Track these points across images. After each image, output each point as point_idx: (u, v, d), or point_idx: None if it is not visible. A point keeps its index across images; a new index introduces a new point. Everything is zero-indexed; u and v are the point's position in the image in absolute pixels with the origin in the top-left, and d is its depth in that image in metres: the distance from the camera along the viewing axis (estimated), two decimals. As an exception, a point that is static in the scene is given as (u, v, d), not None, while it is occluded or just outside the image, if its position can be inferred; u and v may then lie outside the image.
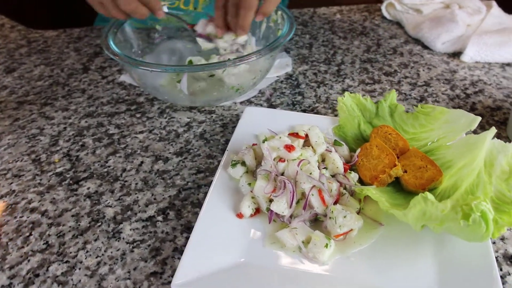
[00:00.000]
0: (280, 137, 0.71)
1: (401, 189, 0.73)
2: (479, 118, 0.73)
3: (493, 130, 0.68)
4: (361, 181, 0.73)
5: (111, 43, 0.90)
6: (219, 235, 0.65)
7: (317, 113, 0.94)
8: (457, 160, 0.72)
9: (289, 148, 0.69)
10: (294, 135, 0.74)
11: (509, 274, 0.62)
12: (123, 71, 1.12)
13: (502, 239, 0.67)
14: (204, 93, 0.92)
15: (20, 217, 0.74)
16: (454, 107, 0.94)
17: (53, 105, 1.01)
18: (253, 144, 0.78)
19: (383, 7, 1.32)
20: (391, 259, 0.62)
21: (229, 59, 0.85)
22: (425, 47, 1.17)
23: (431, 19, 1.20)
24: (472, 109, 0.94)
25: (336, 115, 0.93)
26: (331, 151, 0.70)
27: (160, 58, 1.05)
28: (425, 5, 1.27)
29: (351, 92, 1.00)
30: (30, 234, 0.70)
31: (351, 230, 0.64)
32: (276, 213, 0.66)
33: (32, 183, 0.80)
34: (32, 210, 0.75)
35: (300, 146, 0.74)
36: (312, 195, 0.65)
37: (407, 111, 0.84)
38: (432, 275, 0.59)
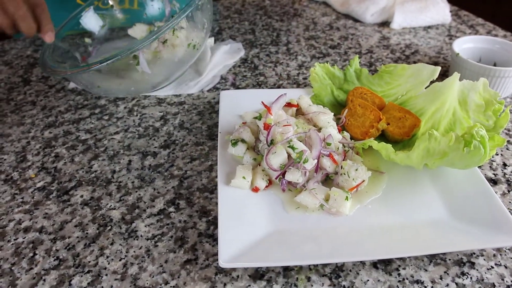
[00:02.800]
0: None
1: (386, 140, 0.80)
2: (439, 68, 0.83)
3: (457, 75, 0.78)
4: (352, 139, 0.79)
5: (49, 62, 0.87)
6: (244, 210, 0.66)
7: (285, 88, 0.99)
8: (428, 107, 0.81)
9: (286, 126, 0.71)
10: (287, 104, 0.77)
11: (495, 193, 0.72)
12: (80, 94, 1.04)
13: (480, 166, 0.77)
14: (165, 62, 0.90)
15: (15, 239, 0.67)
16: (400, 67, 1.05)
17: (4, 122, 0.91)
18: (243, 123, 0.80)
19: (309, -11, 1.41)
20: (401, 199, 0.69)
21: (172, 16, 0.85)
22: (356, 20, 1.28)
23: (357, -6, 1.31)
24: (415, 67, 1.05)
25: (303, 88, 0.98)
26: (326, 113, 0.74)
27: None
28: (346, -17, 1.38)
29: (307, 67, 1.06)
30: (35, 254, 0.64)
31: (363, 181, 0.69)
32: (289, 182, 0.69)
33: (14, 203, 0.72)
34: (26, 230, 0.68)
35: (294, 114, 0.77)
36: (323, 156, 0.69)
37: (371, 73, 0.91)
38: (439, 203, 0.67)
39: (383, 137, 0.80)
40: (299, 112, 0.78)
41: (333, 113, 0.82)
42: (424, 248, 0.59)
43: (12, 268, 0.63)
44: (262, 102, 0.75)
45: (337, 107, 0.88)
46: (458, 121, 0.75)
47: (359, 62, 1.06)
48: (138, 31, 1.05)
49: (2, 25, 0.81)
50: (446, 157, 0.65)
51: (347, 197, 0.66)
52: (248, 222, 0.64)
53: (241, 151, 0.74)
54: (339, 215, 0.66)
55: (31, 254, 0.64)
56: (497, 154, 0.79)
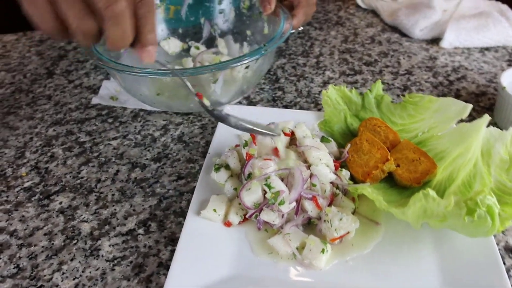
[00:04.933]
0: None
1: (394, 184, 0.70)
2: (470, 106, 0.71)
3: (487, 118, 0.66)
4: (352, 179, 0.70)
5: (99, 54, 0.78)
6: (206, 247, 0.60)
7: (300, 108, 0.91)
8: (450, 150, 0.69)
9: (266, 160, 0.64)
10: (280, 133, 0.70)
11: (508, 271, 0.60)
12: (95, 93, 0.99)
13: (503, 231, 0.64)
14: (232, 88, 0.85)
15: (-14, 239, 0.67)
16: (438, 95, 0.92)
17: (17, 114, 0.93)
18: (236, 145, 0.73)
19: (357, -4, 1.30)
20: (391, 259, 0.59)
21: (264, 44, 0.78)
22: (403, 34, 1.15)
23: (407, 5, 1.18)
24: (457, 96, 0.92)
25: (320, 110, 0.89)
26: (319, 149, 0.66)
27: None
28: (400, -8, 1.25)
29: (333, 84, 0.97)
30: (-2, 259, 0.64)
31: (348, 232, 0.60)
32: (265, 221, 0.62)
33: (-2, 201, 0.73)
34: (0, 231, 0.68)
35: (286, 145, 0.70)
36: (305, 198, 0.61)
37: (393, 101, 0.81)
38: (435, 274, 0.57)
39: (391, 179, 0.70)
40: (294, 142, 0.70)
41: (335, 146, 0.74)
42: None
43: (-26, 270, 0.63)
44: (251, 134, 0.68)
45: (348, 136, 0.78)
46: (479, 174, 0.63)
47: (392, 85, 0.95)
48: (172, 45, 1.00)
49: (79, 31, 0.53)
50: (446, 221, 0.54)
51: (323, 249, 0.58)
52: (207, 262, 0.58)
53: (223, 178, 0.68)
54: (313, 268, 0.58)
55: (-5, 258, 0.64)
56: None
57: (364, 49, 1.10)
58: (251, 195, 0.61)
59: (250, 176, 0.63)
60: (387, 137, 0.73)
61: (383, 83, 0.97)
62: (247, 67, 0.80)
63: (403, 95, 0.92)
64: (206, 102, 0.69)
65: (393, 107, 0.79)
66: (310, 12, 1.00)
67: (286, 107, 0.91)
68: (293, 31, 1.02)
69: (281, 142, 0.67)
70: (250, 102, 0.93)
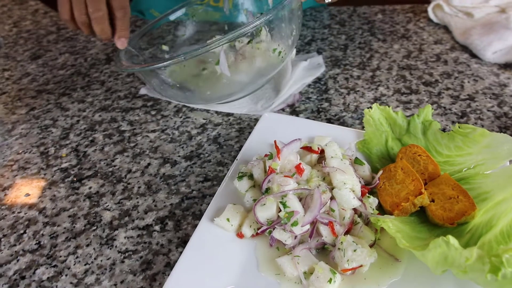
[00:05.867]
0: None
1: (426, 220, 0.64)
2: (526, 146, 0.63)
3: (542, 162, 0.58)
4: (380, 207, 0.65)
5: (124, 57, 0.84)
6: (213, 255, 0.59)
7: (343, 123, 0.86)
8: (495, 193, 0.62)
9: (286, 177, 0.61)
10: (308, 149, 0.67)
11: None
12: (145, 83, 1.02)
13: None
14: (246, 68, 0.83)
15: (18, 212, 0.71)
16: (499, 127, 0.83)
17: (70, 96, 0.98)
18: (265, 155, 0.71)
19: (429, 9, 1.21)
20: (405, 303, 0.54)
21: (260, 13, 0.76)
22: (473, 55, 1.05)
23: (483, 24, 1.08)
24: (521, 131, 0.82)
25: (364, 128, 0.84)
26: (345, 172, 0.62)
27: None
28: (477, 8, 1.14)
29: (384, 102, 0.91)
30: (24, 232, 0.68)
31: (361, 266, 0.56)
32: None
33: (36, 177, 0.77)
34: (31, 207, 0.72)
35: (314, 162, 0.66)
36: (321, 222, 0.58)
37: (443, 130, 0.74)
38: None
39: (424, 214, 0.65)
40: (322, 160, 0.66)
41: (368, 170, 0.69)
42: None
43: (2, 239, 0.67)
44: (275, 142, 0.65)
45: (387, 161, 0.73)
46: (522, 226, 0.55)
47: (448, 110, 0.88)
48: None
49: (80, 24, 0.78)
50: (467, 274, 0.48)
51: (331, 279, 0.54)
52: (210, 270, 0.57)
53: (244, 187, 0.66)
54: (317, 297, 0.55)
55: (21, 231, 0.68)
56: None
57: (427, 67, 1.02)
58: (265, 211, 0.59)
59: (268, 191, 0.61)
60: (426, 168, 0.68)
61: (439, 106, 0.90)
62: (250, 41, 0.78)
63: (459, 122, 0.85)
64: None
65: (441, 135, 0.72)
66: None
67: (329, 120, 0.88)
68: (322, 2, 0.93)
69: (307, 159, 0.64)
70: (294, 110, 0.91)
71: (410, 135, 0.75)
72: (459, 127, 0.71)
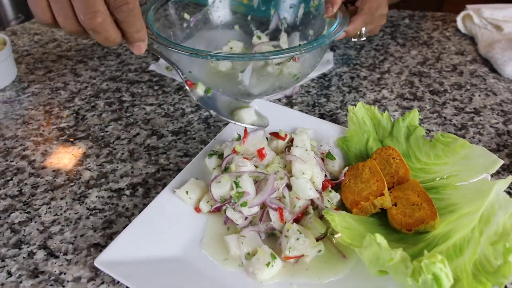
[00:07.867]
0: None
1: (386, 223, 0.63)
2: (501, 162, 0.60)
3: (508, 180, 0.56)
4: (342, 204, 0.65)
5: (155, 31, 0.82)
6: (165, 223, 0.61)
7: (335, 120, 0.86)
8: (462, 206, 0.60)
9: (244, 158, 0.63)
10: (275, 135, 0.68)
11: None
12: (157, 60, 1.05)
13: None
14: (263, 82, 0.85)
15: (11, 161, 0.77)
16: (498, 144, 0.80)
17: (86, 64, 1.04)
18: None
19: (459, 18, 1.16)
20: (340, 298, 0.54)
21: (299, 44, 0.77)
22: (493, 70, 1.00)
23: (509, 39, 1.02)
24: (520, 152, 0.78)
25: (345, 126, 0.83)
26: (305, 162, 0.62)
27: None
28: (508, 23, 1.09)
29: (383, 105, 0.90)
30: (11, 179, 0.73)
31: (303, 255, 0.56)
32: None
33: (35, 132, 0.83)
34: (23, 158, 0.77)
35: (281, 149, 0.67)
36: (271, 207, 0.59)
37: (426, 137, 0.72)
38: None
39: (385, 217, 0.63)
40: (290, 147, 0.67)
41: (338, 166, 0.69)
42: None
43: (-11, 183, 0.73)
44: (245, 128, 0.66)
45: (363, 160, 0.72)
46: (474, 241, 0.53)
47: (448, 121, 0.85)
48: (234, 47, 1.02)
49: (69, 33, 0.60)
50: (395, 276, 0.47)
51: (269, 263, 0.55)
52: (158, 236, 0.59)
53: (212, 165, 0.68)
54: (253, 278, 0.56)
55: (9, 178, 0.73)
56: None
57: (439, 76, 0.99)
58: (220, 188, 0.60)
59: (226, 170, 0.63)
60: (397, 171, 0.66)
61: (440, 116, 0.87)
62: (278, 64, 0.78)
63: (456, 135, 0.82)
64: (200, 90, 0.69)
65: (423, 142, 0.70)
66: (373, 22, 0.93)
67: (322, 115, 0.87)
68: (355, 39, 0.96)
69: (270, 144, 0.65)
70: (290, 102, 0.91)
71: (392, 138, 0.73)
72: (441, 135, 0.69)
